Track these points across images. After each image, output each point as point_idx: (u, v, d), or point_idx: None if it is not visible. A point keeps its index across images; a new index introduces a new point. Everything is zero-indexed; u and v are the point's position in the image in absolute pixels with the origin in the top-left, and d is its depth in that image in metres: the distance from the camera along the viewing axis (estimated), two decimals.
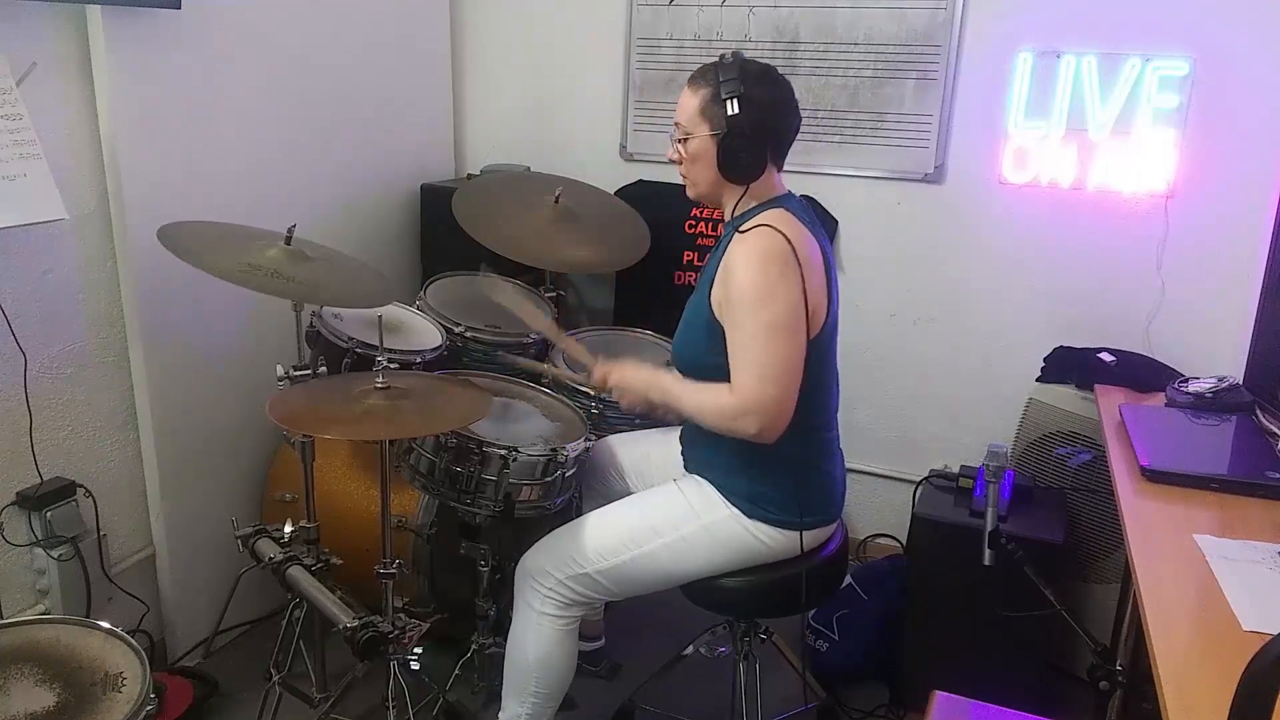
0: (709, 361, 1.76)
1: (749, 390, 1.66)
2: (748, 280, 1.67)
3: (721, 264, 1.75)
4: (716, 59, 1.75)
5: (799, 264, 1.66)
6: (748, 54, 1.77)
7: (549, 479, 2.03)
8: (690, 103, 1.77)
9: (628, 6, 2.99)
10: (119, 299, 2.19)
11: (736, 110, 1.69)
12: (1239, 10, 2.34)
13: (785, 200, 1.80)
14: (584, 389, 2.32)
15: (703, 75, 1.76)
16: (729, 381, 1.70)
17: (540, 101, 3.22)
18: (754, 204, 1.79)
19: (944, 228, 2.76)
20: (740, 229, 1.74)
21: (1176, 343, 2.53)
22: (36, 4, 1.91)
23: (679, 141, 1.81)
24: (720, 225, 2.90)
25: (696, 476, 1.90)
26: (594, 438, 2.17)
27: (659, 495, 1.92)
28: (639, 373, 1.88)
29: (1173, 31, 2.40)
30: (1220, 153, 2.42)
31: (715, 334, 1.74)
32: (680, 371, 1.88)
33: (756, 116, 1.70)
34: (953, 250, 2.76)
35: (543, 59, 3.18)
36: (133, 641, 1.48)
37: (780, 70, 1.79)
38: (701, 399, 1.76)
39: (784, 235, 1.68)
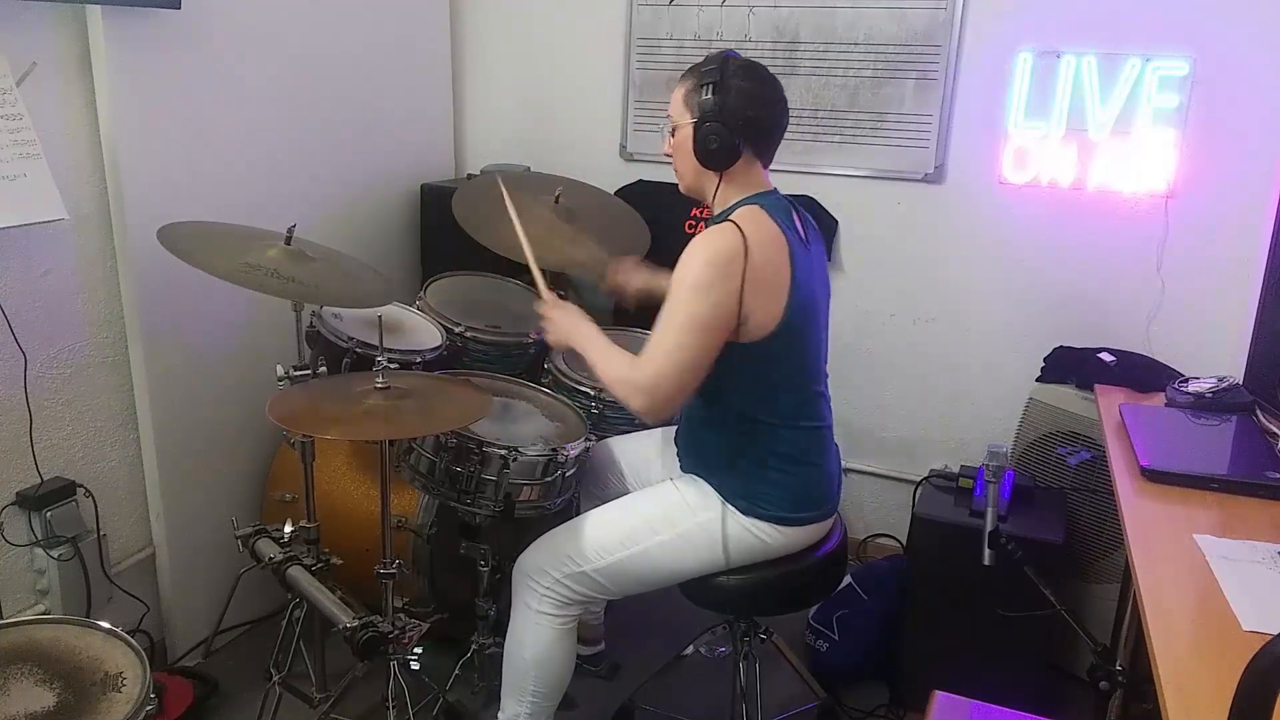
0: None
1: (650, 372, 1.72)
2: (692, 267, 1.71)
3: None
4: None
5: (746, 264, 1.67)
6: (747, 54, 1.78)
7: (549, 479, 2.03)
8: (677, 95, 1.82)
9: (628, 6, 2.99)
10: (119, 299, 2.19)
11: (711, 95, 1.73)
12: (1239, 10, 2.35)
13: (764, 197, 1.79)
14: (584, 388, 2.32)
15: (691, 70, 1.81)
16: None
17: (540, 101, 3.22)
18: (734, 200, 1.80)
19: (944, 228, 2.76)
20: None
21: (1176, 343, 2.53)
22: (36, 4, 1.91)
23: (670, 134, 1.85)
24: None
25: (693, 475, 1.90)
26: (594, 438, 2.17)
27: (656, 494, 1.92)
28: (575, 319, 1.92)
29: (1173, 31, 2.40)
30: (1220, 153, 2.42)
31: None
32: None
33: (732, 103, 1.73)
34: (952, 250, 2.76)
35: (543, 59, 3.18)
36: (133, 641, 1.48)
37: (780, 70, 1.80)
38: (609, 364, 1.81)
39: (742, 233, 1.68)
